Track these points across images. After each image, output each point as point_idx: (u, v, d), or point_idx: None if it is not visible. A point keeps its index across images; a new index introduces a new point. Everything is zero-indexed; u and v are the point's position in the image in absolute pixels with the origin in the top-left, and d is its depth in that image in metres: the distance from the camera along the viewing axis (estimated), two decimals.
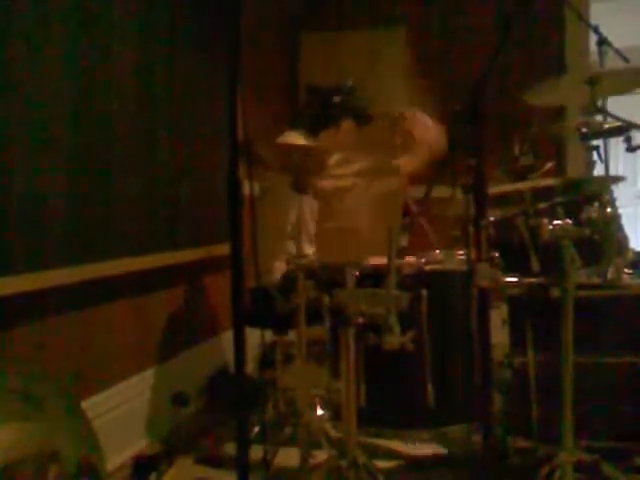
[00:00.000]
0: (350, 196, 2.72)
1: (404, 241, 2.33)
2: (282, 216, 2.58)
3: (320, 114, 2.76)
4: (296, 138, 2.66)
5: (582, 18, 3.35)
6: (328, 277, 1.86)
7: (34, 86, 1.97)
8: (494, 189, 1.91)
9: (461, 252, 2.32)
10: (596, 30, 2.63)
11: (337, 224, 2.73)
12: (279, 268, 2.56)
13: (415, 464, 2.31)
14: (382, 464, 2.19)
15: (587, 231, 1.78)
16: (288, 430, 2.37)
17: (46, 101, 2.02)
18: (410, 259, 2.29)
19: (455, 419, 2.20)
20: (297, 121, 2.75)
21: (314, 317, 1.89)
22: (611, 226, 1.82)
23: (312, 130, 2.73)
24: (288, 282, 2.36)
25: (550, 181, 1.96)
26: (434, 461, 2.32)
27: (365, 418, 1.92)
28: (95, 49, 2.26)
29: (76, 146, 2.17)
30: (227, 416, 2.71)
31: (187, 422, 2.66)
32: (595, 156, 1.93)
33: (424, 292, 2.09)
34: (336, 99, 2.73)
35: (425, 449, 2.37)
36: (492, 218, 1.95)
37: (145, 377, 2.62)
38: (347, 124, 2.76)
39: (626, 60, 2.48)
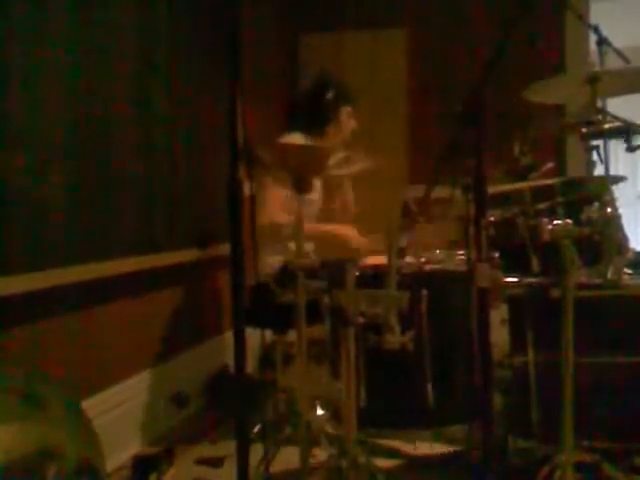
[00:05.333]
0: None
1: (404, 241, 2.33)
2: (277, 214, 2.58)
3: (319, 115, 2.77)
4: (298, 140, 2.67)
5: (582, 18, 3.35)
6: (328, 277, 1.86)
7: (34, 87, 1.97)
8: (494, 189, 1.91)
9: (461, 252, 2.32)
10: (596, 30, 2.63)
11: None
12: (270, 263, 2.56)
13: (415, 464, 2.32)
14: (382, 464, 2.19)
15: (587, 231, 1.78)
16: (288, 430, 2.37)
17: (46, 103, 2.03)
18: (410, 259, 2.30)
19: (455, 419, 2.20)
20: (295, 124, 2.76)
21: (314, 317, 1.89)
22: (611, 226, 1.82)
23: (317, 132, 2.75)
24: (285, 274, 2.35)
25: (550, 181, 1.96)
26: (434, 461, 2.32)
27: (365, 418, 1.92)
28: (95, 53, 2.27)
29: (76, 147, 2.17)
30: (227, 416, 2.71)
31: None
32: (595, 156, 1.93)
33: (424, 292, 2.09)
34: (329, 96, 2.75)
35: (425, 449, 2.37)
36: (492, 218, 1.95)
37: (145, 377, 2.62)
38: (345, 111, 2.80)
39: (626, 60, 2.48)
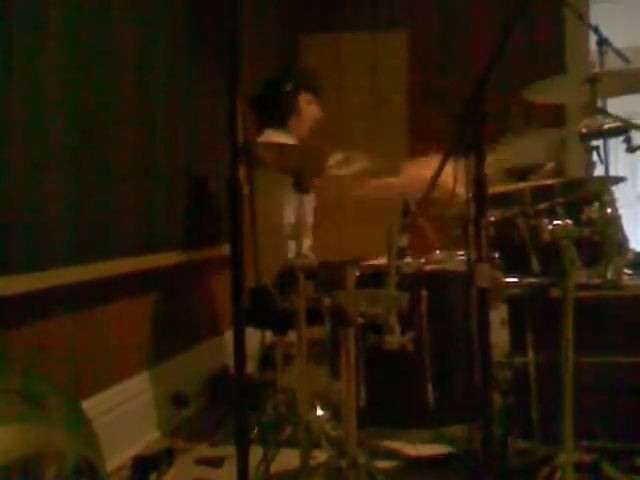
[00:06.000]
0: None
1: (404, 241, 2.33)
2: (277, 214, 2.58)
3: (279, 109, 2.75)
4: (277, 136, 2.67)
5: (582, 18, 3.35)
6: (328, 277, 1.86)
7: (34, 88, 1.97)
8: (494, 189, 1.91)
9: (461, 252, 2.32)
10: (596, 30, 2.63)
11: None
12: (277, 265, 2.56)
13: (415, 464, 2.31)
14: (382, 464, 2.19)
15: (587, 231, 1.78)
16: (288, 430, 2.36)
17: (47, 103, 2.03)
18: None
19: (455, 419, 2.19)
20: (261, 121, 2.76)
21: (314, 317, 1.89)
22: (611, 226, 1.82)
23: (279, 126, 2.74)
24: (285, 279, 2.35)
25: (550, 181, 1.96)
26: (434, 461, 2.32)
27: (365, 418, 1.92)
28: (95, 53, 2.27)
29: (76, 147, 2.17)
30: (227, 416, 2.71)
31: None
32: (595, 157, 1.93)
33: (424, 292, 2.09)
34: (287, 87, 2.74)
35: (425, 449, 2.37)
36: (492, 218, 1.95)
37: (145, 377, 2.62)
38: (304, 99, 2.78)
39: (626, 60, 2.48)
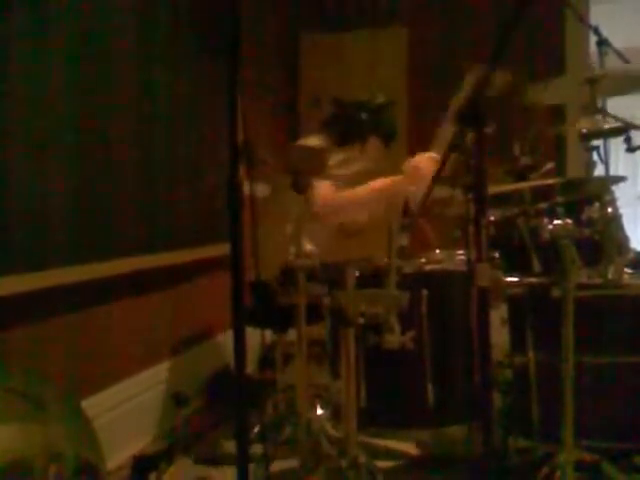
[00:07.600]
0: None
1: (404, 241, 2.33)
2: (284, 215, 2.58)
3: (346, 129, 2.72)
4: (313, 142, 2.65)
5: (582, 20, 3.35)
6: (328, 277, 1.86)
7: (34, 87, 1.97)
8: (494, 189, 1.91)
9: (461, 252, 2.32)
10: (596, 31, 2.63)
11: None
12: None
13: (415, 464, 2.32)
14: (382, 464, 2.19)
15: (587, 231, 1.78)
16: (288, 430, 2.36)
17: (46, 102, 2.02)
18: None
19: (455, 419, 2.20)
20: (322, 130, 2.72)
21: (314, 317, 1.89)
22: (612, 226, 1.82)
23: (338, 143, 2.69)
24: (287, 276, 2.35)
25: (550, 181, 1.96)
26: (434, 461, 2.32)
27: (365, 418, 1.92)
28: (95, 53, 2.27)
29: (76, 147, 2.17)
30: (227, 416, 2.71)
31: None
32: (595, 156, 1.93)
33: (424, 292, 2.09)
34: (363, 116, 2.67)
35: (425, 449, 2.37)
36: (492, 218, 1.95)
37: (145, 377, 2.62)
38: (374, 141, 2.70)
39: (626, 61, 2.48)
